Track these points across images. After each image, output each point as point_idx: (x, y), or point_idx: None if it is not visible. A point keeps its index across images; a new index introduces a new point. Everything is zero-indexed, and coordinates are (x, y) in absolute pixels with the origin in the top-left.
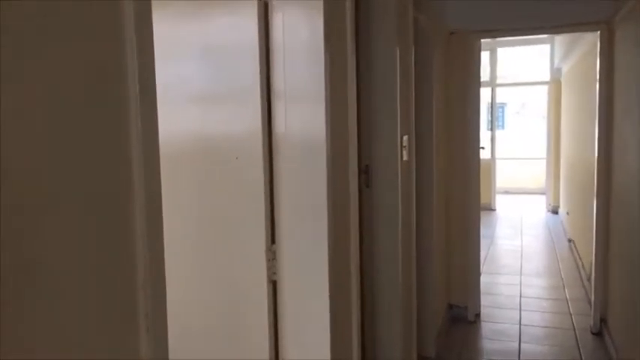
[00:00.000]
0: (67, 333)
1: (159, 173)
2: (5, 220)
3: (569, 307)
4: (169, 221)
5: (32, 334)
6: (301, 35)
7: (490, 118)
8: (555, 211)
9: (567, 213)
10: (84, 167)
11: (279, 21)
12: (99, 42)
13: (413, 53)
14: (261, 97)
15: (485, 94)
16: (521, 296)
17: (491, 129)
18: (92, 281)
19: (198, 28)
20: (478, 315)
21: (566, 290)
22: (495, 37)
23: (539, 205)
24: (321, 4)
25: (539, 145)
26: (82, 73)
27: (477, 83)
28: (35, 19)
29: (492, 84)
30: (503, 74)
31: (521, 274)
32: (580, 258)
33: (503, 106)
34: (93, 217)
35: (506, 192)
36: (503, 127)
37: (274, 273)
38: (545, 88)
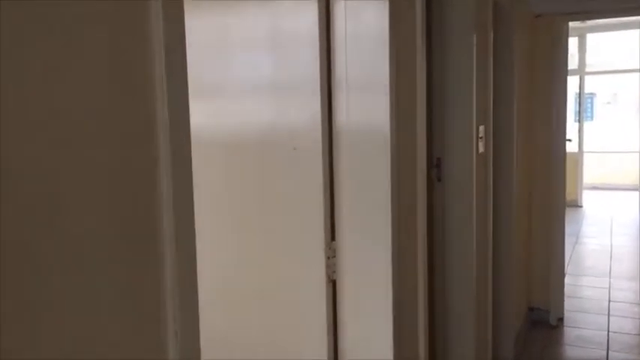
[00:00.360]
0: (76, 338)
1: (190, 171)
2: (17, 221)
3: None
4: (223, 213)
5: (46, 337)
6: (365, 21)
7: (578, 109)
8: None
9: None
10: (99, 164)
11: (341, 7)
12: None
13: (492, 38)
14: (321, 86)
15: (572, 83)
16: (609, 300)
17: (579, 120)
18: (111, 287)
19: (256, 17)
20: (561, 319)
21: None
22: (585, 19)
23: (631, 203)
24: None
25: (632, 138)
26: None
27: (563, 71)
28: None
29: (581, 72)
30: (592, 62)
31: (610, 277)
32: None
33: (592, 96)
34: (112, 219)
35: (595, 188)
36: (592, 118)
37: (334, 272)
38: (639, 77)
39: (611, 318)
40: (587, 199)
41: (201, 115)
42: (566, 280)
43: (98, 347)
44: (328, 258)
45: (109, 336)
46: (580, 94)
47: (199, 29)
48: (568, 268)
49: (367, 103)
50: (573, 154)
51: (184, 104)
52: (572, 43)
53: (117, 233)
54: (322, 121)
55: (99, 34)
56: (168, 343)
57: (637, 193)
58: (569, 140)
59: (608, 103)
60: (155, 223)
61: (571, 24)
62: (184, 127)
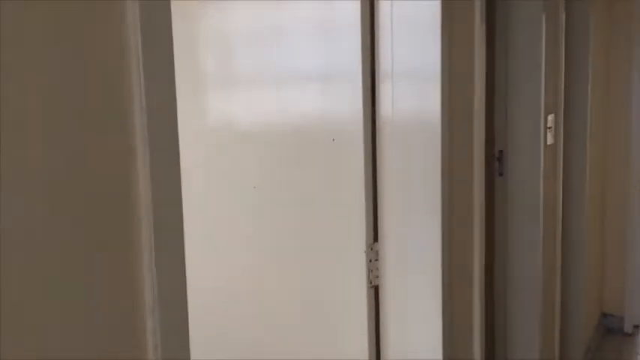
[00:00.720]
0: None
1: (178, 171)
2: None
3: None
4: (254, 208)
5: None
6: (413, 1)
7: None
8: None
9: None
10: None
11: None
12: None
13: (564, 15)
14: (363, 73)
15: None
16: None
17: None
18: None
19: (293, 3)
20: (637, 327)
21: None
22: None
23: None
24: None
25: None
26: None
27: None
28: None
29: None
30: None
31: None
32: None
33: None
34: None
35: None
36: None
37: (376, 277)
38: None
39: None
40: None
41: (237, 104)
42: None
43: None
44: (370, 261)
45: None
46: None
47: (238, 19)
48: None
49: (415, 92)
50: None
51: (167, 88)
52: None
53: (78, 232)
54: (364, 110)
55: None
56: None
57: None
58: None
59: None
60: (129, 223)
61: None
62: (168, 114)
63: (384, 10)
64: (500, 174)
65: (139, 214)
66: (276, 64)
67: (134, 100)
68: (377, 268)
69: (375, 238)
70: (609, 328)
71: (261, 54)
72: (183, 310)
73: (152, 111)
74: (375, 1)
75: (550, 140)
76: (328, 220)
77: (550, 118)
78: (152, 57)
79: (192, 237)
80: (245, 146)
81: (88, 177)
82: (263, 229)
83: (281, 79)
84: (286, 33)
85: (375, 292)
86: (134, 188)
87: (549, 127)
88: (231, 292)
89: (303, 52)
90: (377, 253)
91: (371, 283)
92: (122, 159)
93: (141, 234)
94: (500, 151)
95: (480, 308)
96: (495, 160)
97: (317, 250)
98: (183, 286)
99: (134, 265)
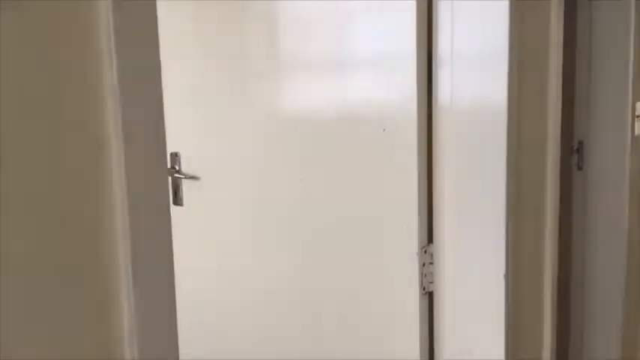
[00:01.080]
0: None
1: (163, 171)
2: None
3: None
4: (294, 204)
5: None
6: None
7: None
8: None
9: None
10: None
11: None
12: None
13: None
14: (418, 57)
15: None
16: None
17: None
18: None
19: None
20: None
21: None
22: None
23: None
24: None
25: None
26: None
27: None
28: None
29: None
30: None
31: None
32: None
33: None
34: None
35: None
36: None
37: (431, 282)
38: None
39: None
40: None
41: (283, 93)
42: None
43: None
44: (424, 265)
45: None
46: None
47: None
48: None
49: (478, 77)
50: None
51: (146, 74)
52: None
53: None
54: (418, 98)
55: None
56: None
57: None
58: None
59: None
60: (99, 232)
61: None
62: (150, 104)
63: None
64: (580, 168)
65: (113, 223)
66: (323, 47)
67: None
68: (431, 273)
69: (430, 240)
70: None
71: (307, 37)
72: (163, 326)
73: (128, 99)
74: None
75: (638, 130)
76: (377, 219)
77: (639, 105)
78: (126, 40)
79: (231, 234)
80: (291, 137)
81: (49, 174)
82: (307, 227)
83: (327, 65)
84: (331, 14)
85: (429, 300)
86: (105, 189)
87: (638, 116)
88: (273, 293)
89: (351, 34)
90: (431, 256)
91: (424, 289)
92: (91, 155)
93: (116, 250)
94: (580, 142)
95: (550, 319)
96: (574, 153)
97: (364, 252)
98: (168, 310)
99: (106, 289)
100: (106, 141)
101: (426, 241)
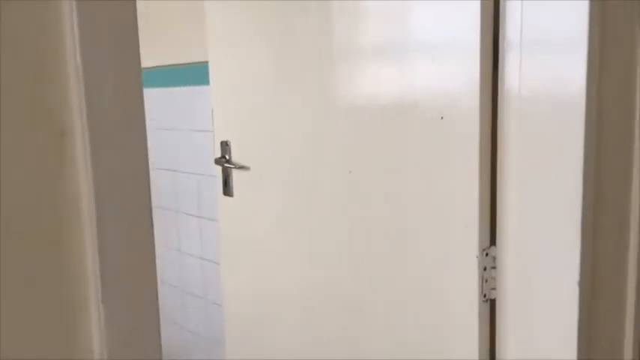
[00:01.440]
0: None
1: (143, 165)
2: None
3: None
4: (350, 196)
5: None
6: None
7: None
8: None
9: None
10: None
11: None
12: None
13: None
14: (482, 40)
15: None
16: None
17: None
18: None
19: None
20: None
21: None
22: None
23: None
24: None
25: None
26: None
27: None
28: None
29: None
30: None
31: None
32: None
33: None
34: None
35: None
36: None
37: (493, 289)
38: None
39: None
40: None
41: (335, 79)
42: None
43: None
44: (485, 269)
45: None
46: None
47: None
48: None
49: (552, 63)
50: None
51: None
52: None
53: None
54: (481, 83)
55: None
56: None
57: None
58: None
59: None
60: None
61: None
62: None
63: None
64: None
65: (78, 224)
66: (377, 32)
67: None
68: (494, 278)
69: (493, 241)
70: None
71: (361, 23)
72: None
73: (94, 79)
74: None
75: None
76: (432, 216)
77: None
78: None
79: (279, 227)
80: (341, 125)
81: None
82: (356, 222)
83: (380, 50)
84: None
85: (490, 308)
86: (69, 185)
87: None
88: (320, 289)
89: (408, 18)
90: (494, 259)
91: (485, 296)
92: (52, 144)
93: (84, 257)
94: None
95: (633, 333)
96: None
97: (416, 252)
98: (147, 318)
99: (71, 300)
100: (68, 128)
101: (487, 242)
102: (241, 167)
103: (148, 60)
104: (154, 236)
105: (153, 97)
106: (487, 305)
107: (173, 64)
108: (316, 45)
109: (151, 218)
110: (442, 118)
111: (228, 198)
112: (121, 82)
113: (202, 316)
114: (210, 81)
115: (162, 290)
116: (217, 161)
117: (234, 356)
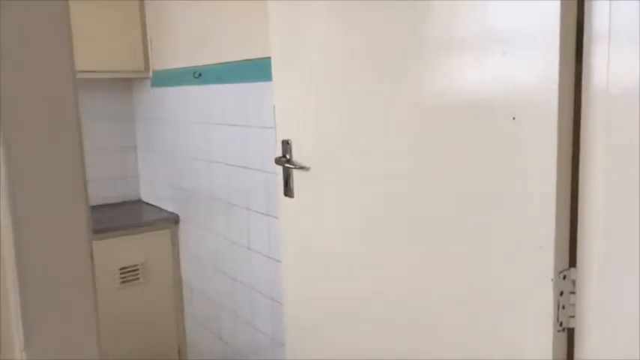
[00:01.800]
0: None
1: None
2: None
3: None
4: (408, 203)
5: None
6: None
7: None
8: None
9: None
10: None
11: None
12: None
13: None
14: (562, 31)
15: None
16: None
17: None
18: None
19: None
20: None
21: None
22: None
23: None
24: None
25: None
26: None
27: None
28: None
29: None
30: None
31: None
32: None
33: None
34: None
35: None
36: None
37: (572, 317)
38: None
39: None
40: None
41: (399, 77)
42: None
43: None
44: (561, 294)
45: None
46: None
47: None
48: None
49: None
50: None
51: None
52: None
53: None
54: (560, 79)
55: None
56: None
57: None
58: None
59: None
60: None
61: None
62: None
63: None
64: None
65: None
66: (446, 27)
67: None
68: (572, 305)
69: (573, 263)
70: None
71: (429, 18)
72: None
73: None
74: None
75: None
76: (501, 231)
77: None
78: None
79: (340, 229)
80: (407, 126)
81: None
82: (414, 234)
83: (448, 41)
84: None
85: (568, 338)
86: None
87: None
88: (382, 294)
89: (478, 6)
90: (573, 283)
91: (561, 324)
92: None
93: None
94: None
95: None
96: None
97: (480, 271)
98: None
99: None
100: None
101: (566, 264)
102: (301, 167)
103: (218, 56)
104: (92, 271)
105: (227, 93)
106: (563, 335)
107: (243, 60)
108: (384, 44)
109: (90, 250)
110: (514, 118)
111: (288, 199)
112: (40, 82)
113: (268, 315)
114: (273, 78)
115: (233, 287)
116: (278, 161)
117: (294, 356)
